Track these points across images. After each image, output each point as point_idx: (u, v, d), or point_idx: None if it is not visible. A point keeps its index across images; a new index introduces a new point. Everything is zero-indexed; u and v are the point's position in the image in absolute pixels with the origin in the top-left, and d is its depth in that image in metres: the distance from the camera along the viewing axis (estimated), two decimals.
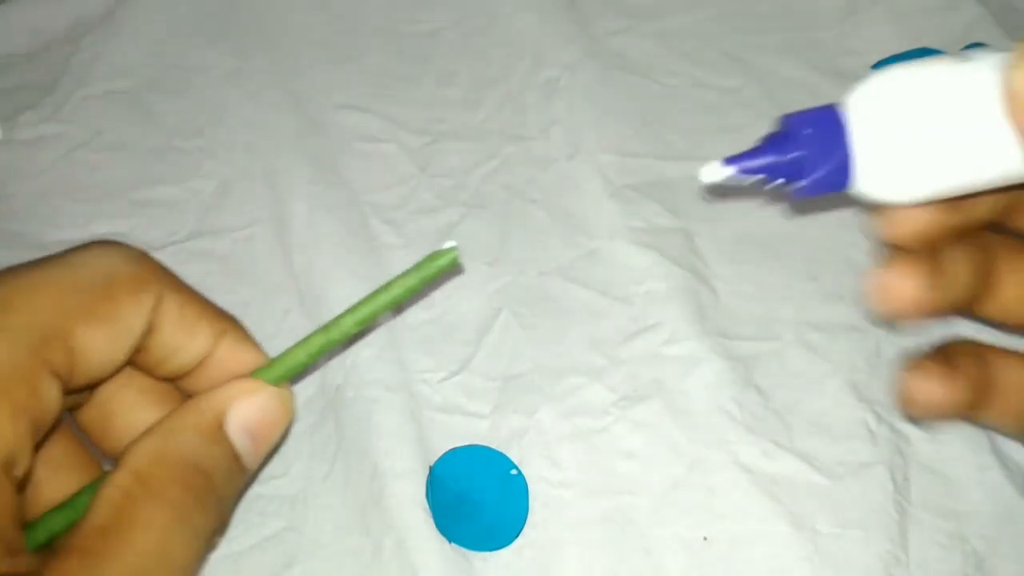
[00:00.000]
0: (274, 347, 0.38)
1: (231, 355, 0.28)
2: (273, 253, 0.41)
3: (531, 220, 0.42)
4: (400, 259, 0.40)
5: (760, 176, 0.26)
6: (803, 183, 0.26)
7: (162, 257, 0.40)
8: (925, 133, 0.25)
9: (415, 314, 0.39)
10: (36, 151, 0.46)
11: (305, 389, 0.37)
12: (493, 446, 0.34)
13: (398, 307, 0.29)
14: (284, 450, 0.35)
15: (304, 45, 0.49)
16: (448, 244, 0.27)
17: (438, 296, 0.39)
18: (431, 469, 0.34)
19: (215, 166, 0.45)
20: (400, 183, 0.43)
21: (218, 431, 0.26)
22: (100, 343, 0.25)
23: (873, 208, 0.27)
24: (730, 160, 0.26)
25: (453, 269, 0.28)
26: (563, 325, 0.38)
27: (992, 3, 0.47)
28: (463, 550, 0.32)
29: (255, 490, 0.34)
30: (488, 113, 0.46)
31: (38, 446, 0.25)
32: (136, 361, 0.27)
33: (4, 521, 0.22)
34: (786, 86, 0.46)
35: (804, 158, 0.26)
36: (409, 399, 0.36)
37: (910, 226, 0.27)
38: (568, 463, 0.34)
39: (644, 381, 0.36)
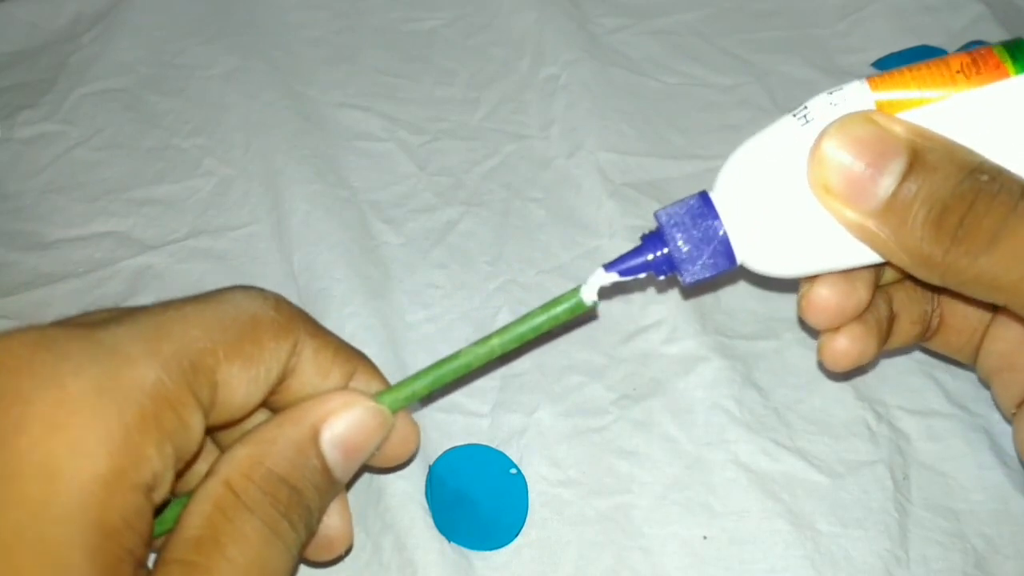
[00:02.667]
0: None
1: None
2: (272, 251, 0.41)
3: (531, 219, 0.42)
4: (400, 257, 0.40)
5: (643, 274, 0.27)
6: (687, 273, 0.27)
7: (161, 256, 0.41)
8: (782, 212, 0.26)
9: (415, 313, 0.39)
10: (35, 149, 0.46)
11: None
12: (493, 445, 0.34)
13: (526, 344, 0.29)
14: None
15: (303, 44, 0.49)
16: (588, 292, 0.28)
17: (437, 295, 0.39)
18: (430, 468, 0.33)
19: (214, 164, 0.44)
20: (399, 182, 0.43)
21: (312, 444, 0.26)
22: (242, 381, 0.25)
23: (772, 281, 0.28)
24: (610, 266, 0.28)
25: (586, 313, 0.28)
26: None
27: (993, 1, 0.47)
28: (463, 549, 0.32)
29: None
30: (487, 112, 0.46)
31: (180, 473, 0.25)
32: (270, 403, 0.28)
33: (141, 543, 0.22)
34: (786, 84, 0.46)
35: (678, 250, 0.27)
36: None
37: (823, 312, 0.29)
38: (568, 462, 0.34)
39: (644, 380, 0.36)
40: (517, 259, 0.40)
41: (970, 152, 0.25)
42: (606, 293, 0.29)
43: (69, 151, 0.45)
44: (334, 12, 0.51)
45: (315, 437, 0.26)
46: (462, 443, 0.34)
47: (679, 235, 0.27)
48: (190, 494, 0.27)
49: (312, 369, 0.28)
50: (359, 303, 0.38)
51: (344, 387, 0.28)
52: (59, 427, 0.21)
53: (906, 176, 0.25)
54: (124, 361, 0.23)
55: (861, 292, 0.29)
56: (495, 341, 0.28)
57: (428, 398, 0.29)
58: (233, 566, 0.23)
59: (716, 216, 0.27)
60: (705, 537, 0.32)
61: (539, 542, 0.32)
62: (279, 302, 0.27)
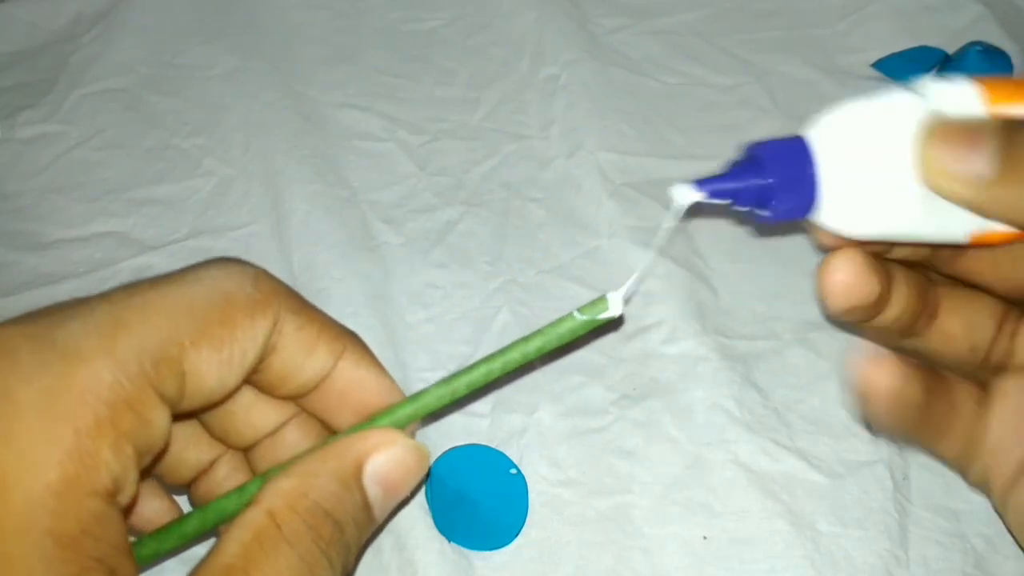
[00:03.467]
0: None
1: (351, 374, 0.28)
2: (272, 251, 0.41)
3: (530, 219, 0.42)
4: (399, 257, 0.40)
5: (728, 200, 0.27)
6: (768, 211, 0.26)
7: (161, 256, 0.41)
8: (884, 176, 0.26)
9: (414, 313, 0.39)
10: (35, 150, 0.46)
11: None
12: (492, 445, 0.34)
13: (548, 355, 0.28)
14: None
15: (303, 44, 0.49)
16: (606, 314, 0.27)
17: (437, 295, 0.39)
18: (430, 468, 0.33)
19: (214, 164, 0.44)
20: (399, 182, 0.43)
21: (356, 480, 0.25)
22: (213, 367, 0.25)
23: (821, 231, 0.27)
24: (701, 183, 0.27)
25: (611, 322, 0.28)
26: None
27: (993, 1, 0.47)
28: (463, 549, 0.32)
29: None
30: (487, 112, 0.46)
31: (148, 470, 0.24)
32: (252, 381, 0.27)
33: (109, 550, 0.22)
34: (786, 84, 0.46)
35: (771, 187, 0.26)
36: None
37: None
38: (567, 462, 0.34)
39: (643, 380, 0.36)
40: (517, 259, 0.40)
41: None
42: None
43: (69, 151, 0.45)
44: (334, 12, 0.51)
45: (359, 472, 0.25)
46: (462, 443, 0.34)
47: (777, 170, 0.26)
48: (207, 506, 0.27)
49: (295, 347, 0.27)
50: (359, 303, 0.38)
51: (332, 367, 0.28)
52: (7, 439, 0.21)
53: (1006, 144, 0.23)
54: (77, 363, 0.22)
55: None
56: (506, 358, 0.27)
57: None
58: None
59: (812, 162, 0.26)
60: (705, 537, 0.32)
61: (539, 542, 0.32)
62: (258, 276, 0.26)
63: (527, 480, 0.34)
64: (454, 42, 0.49)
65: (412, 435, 0.28)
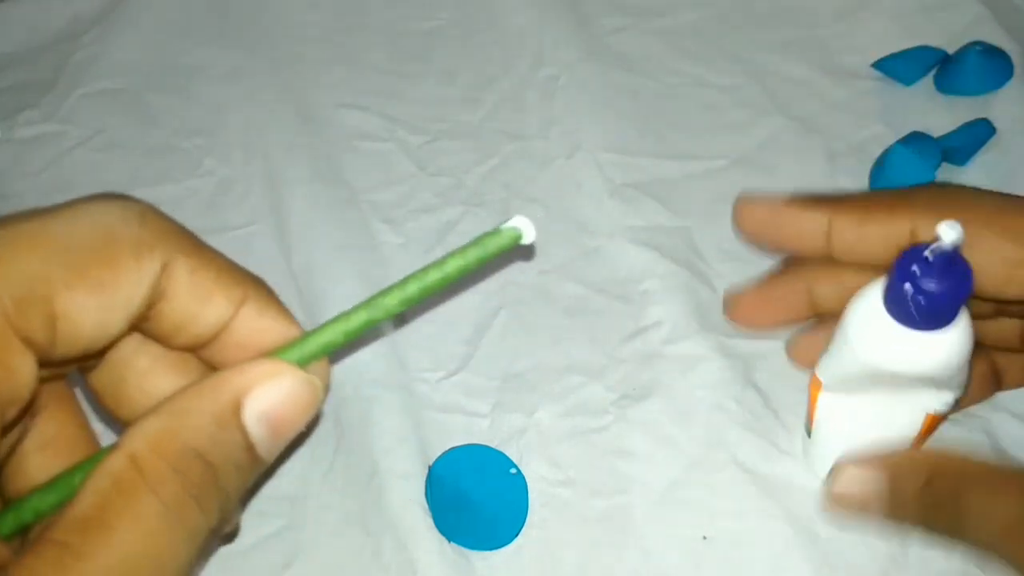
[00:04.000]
0: None
1: (253, 324, 0.26)
2: (272, 251, 0.41)
3: (530, 219, 0.42)
4: (399, 258, 0.40)
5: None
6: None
7: None
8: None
9: (414, 312, 0.39)
10: (35, 150, 0.46)
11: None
12: (492, 445, 0.34)
13: (449, 286, 0.26)
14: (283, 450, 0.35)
15: (303, 44, 0.49)
16: (512, 222, 0.25)
17: (437, 295, 0.39)
18: (430, 468, 0.33)
19: (214, 165, 0.45)
20: (399, 182, 0.43)
21: (233, 418, 0.23)
22: (91, 311, 0.22)
23: None
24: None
25: (516, 248, 0.25)
26: (562, 324, 0.38)
27: (992, 1, 0.47)
28: (463, 549, 0.32)
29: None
30: (488, 112, 0.46)
31: (13, 423, 0.22)
32: (144, 330, 0.25)
33: None
34: (786, 84, 0.46)
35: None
36: (408, 398, 0.36)
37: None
38: (567, 462, 0.34)
39: (643, 380, 0.36)
40: (516, 259, 0.40)
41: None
42: None
43: (69, 151, 0.45)
44: (334, 12, 0.51)
45: (237, 409, 0.23)
46: (462, 443, 0.34)
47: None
48: (90, 460, 0.24)
49: (189, 293, 0.24)
50: (359, 302, 0.38)
51: (232, 315, 0.25)
52: None
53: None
54: None
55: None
56: (412, 287, 0.25)
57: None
58: (116, 553, 0.20)
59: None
60: (705, 537, 0.32)
61: (539, 542, 0.32)
62: (145, 213, 0.24)
63: (527, 480, 0.34)
64: (454, 42, 0.49)
65: (326, 379, 0.26)
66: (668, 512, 0.33)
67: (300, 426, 0.24)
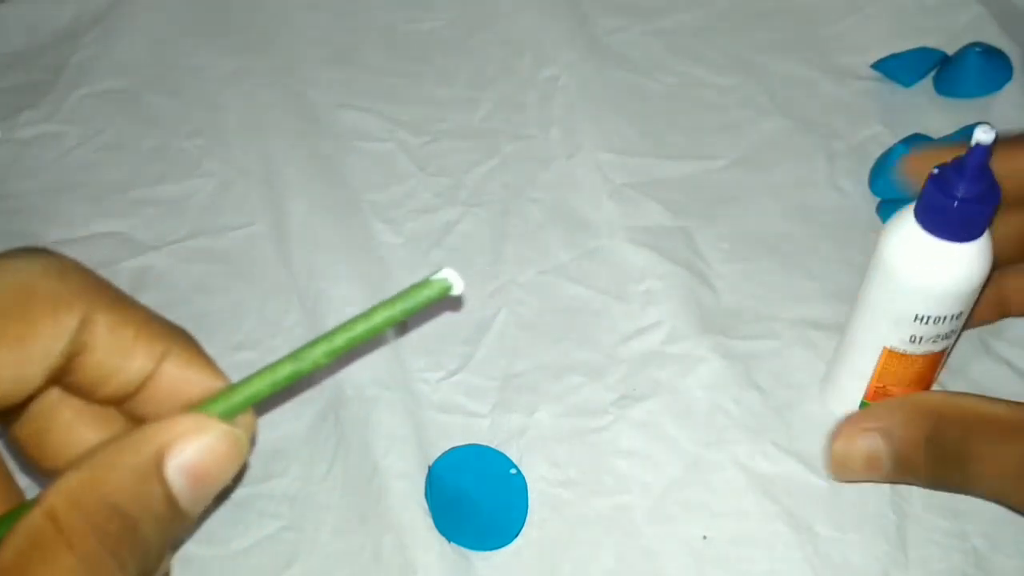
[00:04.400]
0: (273, 346, 0.38)
1: (176, 376, 0.26)
2: (272, 252, 0.41)
3: (530, 219, 0.42)
4: (399, 258, 0.40)
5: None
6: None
7: (162, 256, 0.41)
8: None
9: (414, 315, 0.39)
10: (35, 150, 0.46)
11: (304, 388, 0.36)
12: (492, 445, 0.34)
13: (377, 336, 0.26)
14: (284, 450, 0.35)
15: (303, 44, 0.49)
16: (441, 274, 0.25)
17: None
18: (430, 469, 0.33)
19: (214, 165, 0.45)
20: (399, 182, 0.43)
21: (154, 471, 0.23)
22: (8, 366, 0.23)
23: None
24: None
25: (445, 299, 0.26)
26: (562, 324, 0.38)
27: (992, 2, 0.47)
28: (463, 549, 0.32)
29: (255, 490, 0.34)
30: (487, 112, 0.46)
31: None
32: (66, 384, 0.25)
33: None
34: (786, 84, 0.46)
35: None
36: (408, 398, 0.36)
37: None
38: (567, 462, 0.34)
39: (643, 380, 0.36)
40: (517, 259, 0.40)
41: None
42: None
43: (69, 152, 0.45)
44: (334, 12, 0.51)
45: (159, 463, 0.23)
46: (462, 443, 0.34)
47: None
48: (13, 514, 0.25)
49: (110, 347, 0.25)
50: (359, 303, 0.38)
51: (154, 369, 0.25)
52: None
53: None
54: None
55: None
56: (340, 339, 0.25)
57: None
58: None
59: None
60: (705, 537, 0.32)
61: (539, 542, 0.32)
62: (65, 268, 0.24)
63: (527, 480, 0.34)
64: (454, 42, 0.49)
65: (251, 431, 0.27)
66: (668, 512, 0.33)
67: (224, 480, 0.25)
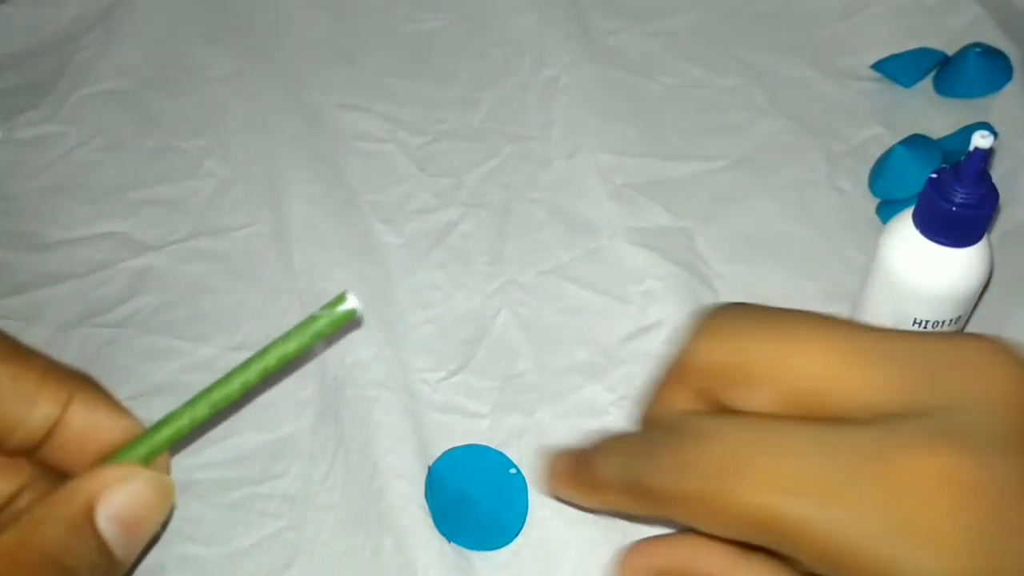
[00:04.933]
0: None
1: (85, 420, 0.26)
2: (272, 252, 0.41)
3: (530, 220, 0.42)
4: (399, 258, 0.40)
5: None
6: None
7: (162, 256, 0.41)
8: None
9: (414, 314, 0.39)
10: (36, 150, 0.46)
11: (304, 389, 0.36)
12: (492, 445, 0.34)
13: (276, 373, 0.27)
14: (284, 450, 0.35)
15: (304, 45, 0.49)
16: (345, 307, 0.26)
17: (437, 296, 0.39)
18: (430, 468, 0.33)
19: (214, 165, 0.45)
20: (399, 182, 0.43)
21: (85, 523, 0.24)
22: None
23: None
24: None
25: (344, 325, 0.26)
26: (562, 325, 0.38)
27: (992, 3, 0.47)
28: (463, 550, 0.32)
29: (255, 490, 0.34)
30: (487, 113, 0.46)
31: None
32: None
33: None
34: (786, 85, 0.46)
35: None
36: (409, 398, 0.36)
37: None
38: None
39: (643, 380, 0.36)
40: (517, 260, 0.40)
41: None
42: None
43: (70, 152, 0.45)
44: (334, 13, 0.51)
45: (89, 514, 0.24)
46: (462, 443, 0.34)
47: None
48: None
49: (13, 397, 0.25)
50: (359, 303, 0.38)
51: (60, 415, 0.26)
52: None
53: None
54: None
55: None
56: (252, 369, 0.26)
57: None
58: None
59: None
60: None
61: (539, 542, 0.32)
62: None
63: (527, 481, 0.34)
64: (454, 43, 0.49)
65: (167, 468, 0.27)
66: None
67: (154, 525, 0.25)
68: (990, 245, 0.30)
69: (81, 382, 0.27)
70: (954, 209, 0.28)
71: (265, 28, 0.50)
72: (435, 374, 0.37)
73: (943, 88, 0.45)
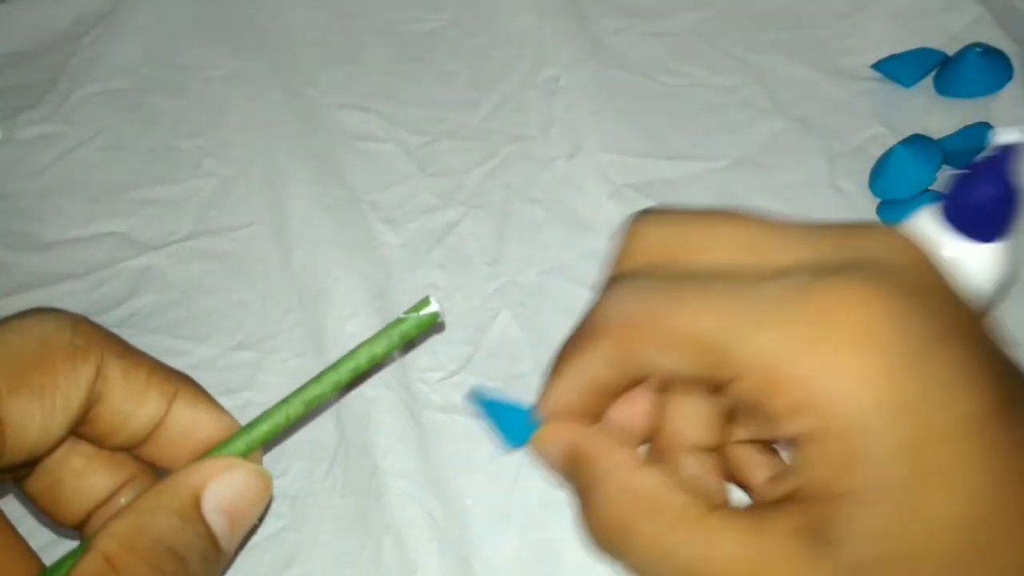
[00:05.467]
0: (273, 346, 0.38)
1: (186, 417, 0.27)
2: (272, 252, 0.41)
3: (531, 220, 0.42)
4: (399, 258, 0.40)
5: None
6: None
7: (162, 256, 0.41)
8: None
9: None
10: (36, 150, 0.46)
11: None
12: (492, 446, 0.34)
13: (369, 371, 0.29)
14: (284, 450, 0.35)
15: (304, 45, 0.49)
16: (429, 310, 0.27)
17: (437, 296, 0.39)
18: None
19: (214, 165, 0.45)
20: (400, 182, 0.43)
21: (195, 512, 0.24)
22: (36, 416, 0.23)
23: None
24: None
25: (428, 329, 0.28)
26: (563, 325, 0.38)
27: (992, 3, 0.47)
28: (462, 550, 0.32)
29: None
30: (488, 112, 0.46)
31: None
32: (82, 433, 0.26)
33: None
34: (786, 85, 0.46)
35: None
36: (408, 398, 0.36)
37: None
38: None
39: None
40: (517, 260, 0.40)
41: None
42: None
43: (70, 152, 0.45)
44: (335, 12, 0.51)
45: (197, 503, 0.25)
46: (462, 443, 0.34)
47: None
48: (64, 562, 0.25)
49: (123, 393, 0.26)
50: (359, 303, 0.38)
51: (166, 411, 0.26)
52: None
53: None
54: None
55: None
56: (343, 369, 0.28)
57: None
58: None
59: None
60: None
61: (539, 544, 0.32)
62: (77, 323, 0.25)
63: (526, 481, 0.33)
64: (454, 43, 0.49)
65: (259, 462, 0.28)
66: None
67: (255, 516, 0.26)
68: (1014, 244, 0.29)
69: (183, 380, 0.28)
70: (980, 204, 0.28)
71: (265, 28, 0.50)
72: (435, 374, 0.37)
73: (943, 88, 0.45)
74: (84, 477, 0.27)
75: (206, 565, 0.24)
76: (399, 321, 0.28)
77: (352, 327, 0.37)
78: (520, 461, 0.34)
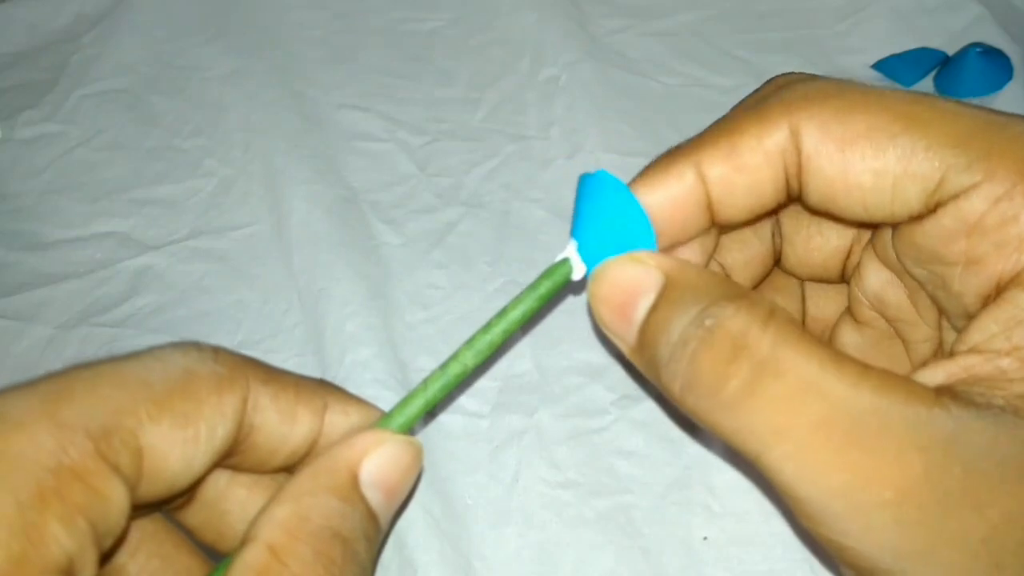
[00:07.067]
0: (273, 346, 0.38)
1: (339, 427, 0.26)
2: (272, 252, 0.41)
3: (531, 219, 0.42)
4: (399, 258, 0.40)
5: None
6: None
7: (162, 256, 0.41)
8: None
9: (414, 313, 0.39)
10: (36, 150, 0.46)
11: None
12: (492, 446, 0.34)
13: (522, 328, 0.27)
14: None
15: (303, 44, 0.49)
16: (563, 256, 0.26)
17: (437, 296, 0.39)
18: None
19: (214, 165, 0.45)
20: (399, 182, 0.43)
21: (354, 490, 0.23)
22: (177, 444, 0.22)
23: None
24: None
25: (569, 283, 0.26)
26: (563, 324, 0.38)
27: (992, 2, 0.47)
28: (462, 550, 0.32)
29: None
30: (488, 112, 0.46)
31: (108, 555, 0.22)
32: (235, 465, 0.25)
33: None
34: None
35: None
36: None
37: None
38: (567, 463, 0.34)
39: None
40: (517, 260, 0.40)
41: (714, 284, 0.23)
42: None
43: (70, 151, 0.45)
44: (334, 12, 0.51)
45: (355, 481, 0.23)
46: (462, 443, 0.34)
47: None
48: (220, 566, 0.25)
49: (275, 418, 0.25)
50: (359, 303, 0.38)
51: (320, 424, 0.26)
52: None
53: (653, 308, 0.23)
54: (13, 429, 0.20)
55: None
56: (490, 336, 0.27)
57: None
58: None
59: None
60: (705, 538, 0.32)
61: (539, 544, 0.32)
62: (219, 353, 0.24)
63: (526, 482, 0.33)
64: (454, 42, 0.49)
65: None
66: (668, 513, 0.33)
67: (408, 488, 0.25)
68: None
69: (330, 390, 0.26)
70: None
71: (265, 28, 0.50)
72: None
73: (943, 88, 0.45)
74: (249, 504, 0.26)
75: (369, 546, 0.23)
76: (544, 276, 0.27)
77: (352, 327, 0.37)
78: (520, 461, 0.34)
